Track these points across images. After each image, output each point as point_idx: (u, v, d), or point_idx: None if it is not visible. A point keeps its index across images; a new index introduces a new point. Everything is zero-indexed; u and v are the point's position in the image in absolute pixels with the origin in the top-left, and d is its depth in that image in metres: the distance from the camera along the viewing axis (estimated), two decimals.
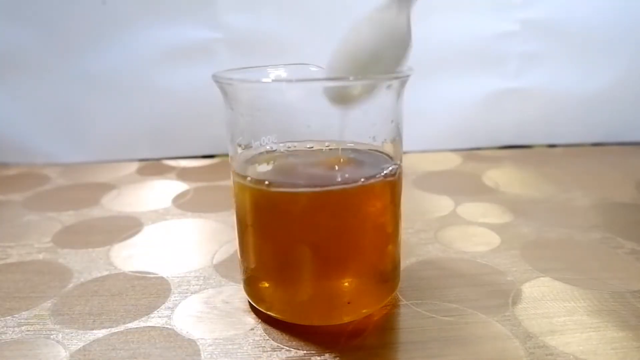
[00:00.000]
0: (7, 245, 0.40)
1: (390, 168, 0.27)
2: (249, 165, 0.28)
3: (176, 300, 0.32)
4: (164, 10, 0.60)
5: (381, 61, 0.23)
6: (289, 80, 0.29)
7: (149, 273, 0.35)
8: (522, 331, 0.27)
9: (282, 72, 0.31)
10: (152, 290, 0.33)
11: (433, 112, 0.65)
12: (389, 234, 0.28)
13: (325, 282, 0.27)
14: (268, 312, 0.29)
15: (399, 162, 0.28)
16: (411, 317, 0.29)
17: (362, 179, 0.26)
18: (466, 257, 0.36)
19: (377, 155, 0.28)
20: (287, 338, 0.27)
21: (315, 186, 0.25)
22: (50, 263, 0.37)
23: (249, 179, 0.27)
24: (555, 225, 0.41)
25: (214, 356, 0.26)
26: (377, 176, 0.26)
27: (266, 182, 0.26)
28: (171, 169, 0.61)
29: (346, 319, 0.28)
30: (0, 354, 0.27)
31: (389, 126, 0.28)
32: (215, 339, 0.28)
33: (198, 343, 0.27)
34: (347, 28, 0.24)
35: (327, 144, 0.29)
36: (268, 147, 0.28)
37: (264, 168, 0.28)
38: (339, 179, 0.26)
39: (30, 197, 0.52)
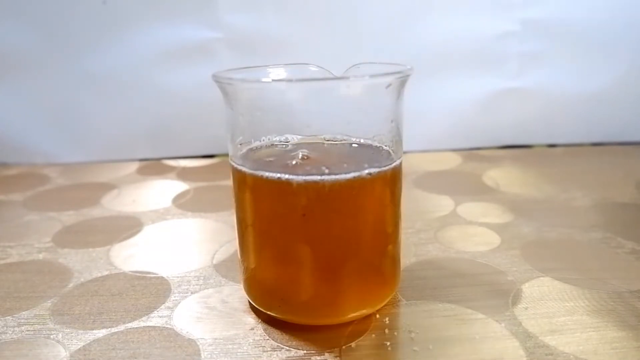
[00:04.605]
0: (7, 245, 0.40)
1: (390, 166, 0.27)
2: (247, 158, 0.28)
3: (176, 300, 0.32)
4: (164, 10, 0.60)
5: None
6: (289, 80, 0.29)
7: (149, 273, 0.35)
8: (522, 331, 0.27)
9: (282, 72, 0.31)
10: (152, 290, 0.33)
11: (433, 112, 0.65)
12: (389, 234, 0.28)
13: (325, 282, 0.27)
14: (268, 312, 0.29)
15: (399, 162, 0.28)
16: (411, 317, 0.29)
17: (361, 174, 0.26)
18: (466, 257, 0.36)
19: (377, 154, 0.28)
20: (287, 338, 0.27)
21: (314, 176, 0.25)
22: (50, 263, 0.37)
23: (247, 171, 0.27)
24: (555, 225, 0.41)
25: (214, 356, 0.26)
26: (377, 172, 0.26)
27: (265, 175, 0.26)
28: (171, 169, 0.61)
29: (346, 319, 0.28)
30: (0, 354, 0.27)
31: (389, 126, 0.28)
32: (215, 338, 0.28)
33: (198, 343, 0.27)
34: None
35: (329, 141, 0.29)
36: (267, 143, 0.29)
37: (263, 159, 0.28)
38: (338, 172, 0.25)
39: (30, 197, 0.52)
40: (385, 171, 0.27)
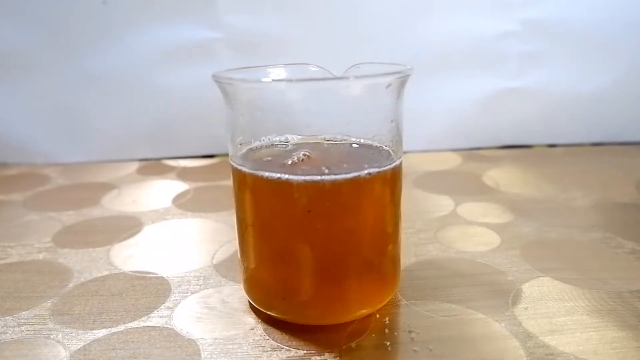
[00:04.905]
0: (7, 245, 0.40)
1: (390, 166, 0.27)
2: (247, 158, 0.28)
3: (176, 300, 0.32)
4: (164, 10, 0.60)
5: None
6: (289, 80, 0.29)
7: (149, 273, 0.35)
8: (522, 331, 0.27)
9: (282, 72, 0.31)
10: (152, 290, 0.33)
11: (433, 112, 0.65)
12: (389, 234, 0.28)
13: (325, 282, 0.27)
14: (268, 312, 0.29)
15: (399, 162, 0.28)
16: (411, 317, 0.29)
17: (361, 174, 0.26)
18: (466, 257, 0.36)
19: (377, 154, 0.28)
20: (287, 338, 0.27)
21: (314, 176, 0.25)
22: (50, 263, 0.37)
23: (247, 171, 0.27)
24: (555, 225, 0.41)
25: (214, 356, 0.26)
26: (377, 172, 0.26)
27: (265, 175, 0.26)
28: (171, 169, 0.61)
29: (346, 319, 0.28)
30: (0, 354, 0.27)
31: (389, 126, 0.28)
32: (215, 338, 0.28)
33: (198, 343, 0.27)
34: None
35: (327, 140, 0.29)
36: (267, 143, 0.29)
37: (262, 159, 0.28)
38: (338, 172, 0.25)
39: (30, 197, 0.52)
40: (385, 171, 0.27)
